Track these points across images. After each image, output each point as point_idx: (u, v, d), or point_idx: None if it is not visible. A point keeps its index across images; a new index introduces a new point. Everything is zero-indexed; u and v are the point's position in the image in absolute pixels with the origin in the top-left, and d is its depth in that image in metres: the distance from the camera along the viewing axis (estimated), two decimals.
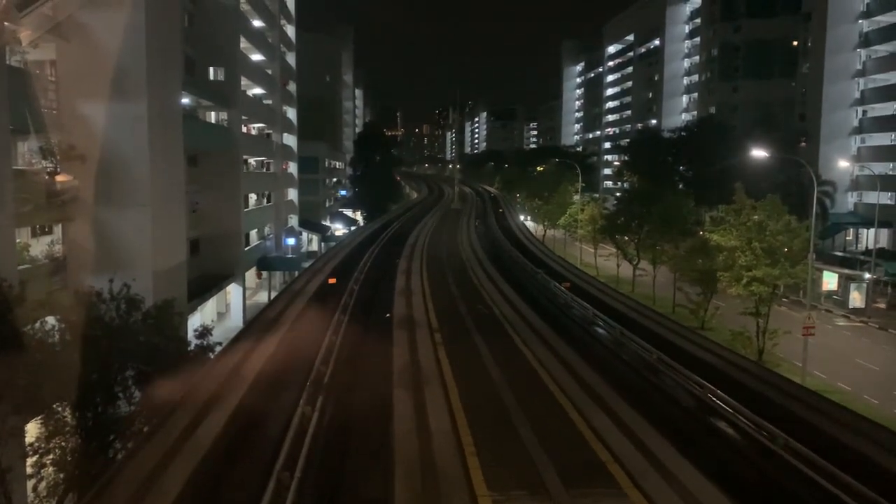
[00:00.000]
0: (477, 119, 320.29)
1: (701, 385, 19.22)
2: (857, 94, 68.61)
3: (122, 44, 27.11)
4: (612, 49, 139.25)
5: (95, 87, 26.86)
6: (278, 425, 14.90)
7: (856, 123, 68.82)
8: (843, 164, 64.24)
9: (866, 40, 67.57)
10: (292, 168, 73.05)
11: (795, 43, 77.10)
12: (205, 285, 40.59)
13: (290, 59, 73.12)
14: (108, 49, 26.99)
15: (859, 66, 68.30)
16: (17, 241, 23.45)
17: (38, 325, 17.43)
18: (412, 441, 14.08)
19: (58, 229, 27.20)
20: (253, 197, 56.56)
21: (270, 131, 63.91)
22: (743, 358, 24.55)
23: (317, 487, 12.82)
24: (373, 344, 24.88)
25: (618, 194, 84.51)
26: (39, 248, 26.01)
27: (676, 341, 25.10)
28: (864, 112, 68.68)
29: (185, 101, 38.74)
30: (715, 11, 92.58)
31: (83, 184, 26.61)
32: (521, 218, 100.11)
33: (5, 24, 21.70)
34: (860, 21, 67.85)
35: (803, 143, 70.92)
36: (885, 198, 61.43)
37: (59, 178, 26.03)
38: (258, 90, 59.77)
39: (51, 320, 18.21)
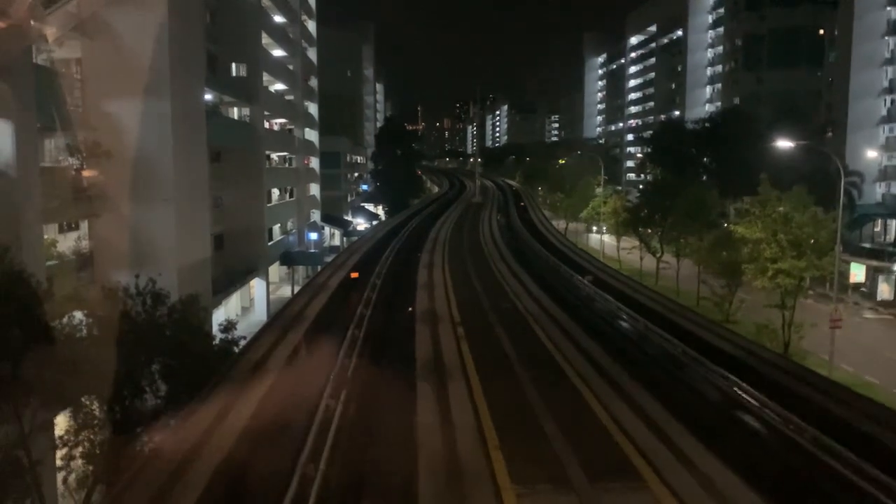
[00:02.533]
0: (498, 112, 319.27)
1: (726, 378, 19.05)
2: (886, 83, 67.25)
3: (145, 41, 27.40)
4: (634, 40, 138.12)
5: (120, 85, 27.17)
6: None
7: (884, 112, 67.46)
8: (871, 154, 63.14)
9: (895, 28, 66.27)
10: (314, 163, 73.37)
11: (822, 31, 75.96)
12: (229, 280, 40.95)
13: (312, 54, 73.39)
14: (132, 47, 27.29)
15: (888, 55, 66.94)
16: (45, 237, 23.78)
17: (65, 320, 17.67)
18: (435, 434, 14.09)
19: (84, 225, 27.55)
20: (276, 192, 56.91)
21: (292, 127, 64.24)
22: (769, 351, 24.28)
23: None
24: (396, 337, 24.98)
25: (641, 187, 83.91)
26: (66, 244, 26.36)
27: (701, 334, 24.86)
28: (893, 101, 67.33)
29: (208, 97, 39.04)
30: (739, 0, 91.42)
31: (108, 180, 26.95)
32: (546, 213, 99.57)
33: (32, 22, 21.96)
34: (888, 8, 66.52)
35: (830, 134, 69.85)
36: None
37: (85, 174, 26.36)
38: (280, 86, 60.07)
39: (78, 315, 18.46)
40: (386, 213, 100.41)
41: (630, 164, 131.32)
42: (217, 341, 21.61)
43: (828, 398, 17.55)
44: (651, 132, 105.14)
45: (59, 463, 17.06)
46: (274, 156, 58.29)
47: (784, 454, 15.17)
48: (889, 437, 14.79)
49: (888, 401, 21.13)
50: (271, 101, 54.93)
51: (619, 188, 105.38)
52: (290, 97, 63.64)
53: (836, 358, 30.31)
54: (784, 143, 43.95)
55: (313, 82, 73.97)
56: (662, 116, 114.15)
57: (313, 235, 65.46)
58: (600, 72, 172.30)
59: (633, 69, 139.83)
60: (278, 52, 58.67)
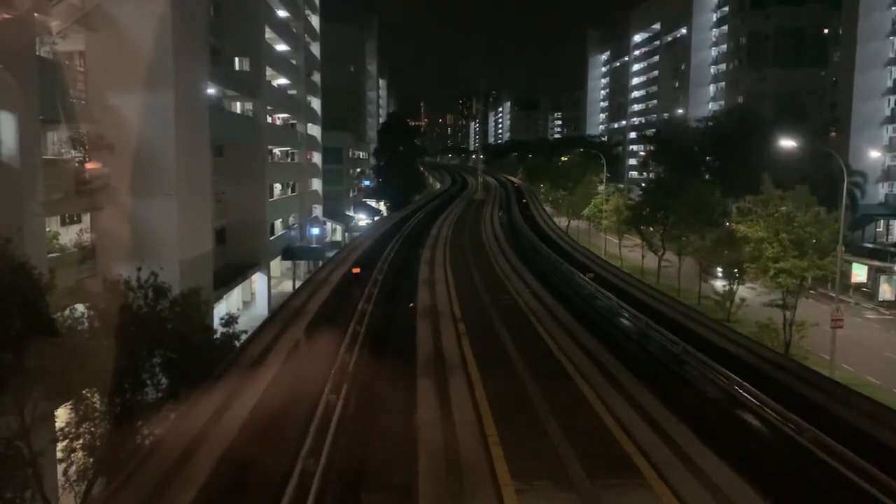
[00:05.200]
0: (501, 109, 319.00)
1: (727, 377, 19.02)
2: (890, 83, 67.21)
3: (149, 34, 27.39)
4: (637, 38, 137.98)
5: (123, 78, 27.17)
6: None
7: (887, 113, 67.43)
8: (874, 154, 63.06)
9: None
10: (317, 158, 73.35)
11: (826, 31, 75.83)
12: (230, 274, 41.00)
13: (315, 49, 73.33)
14: (136, 40, 27.28)
15: (892, 54, 66.86)
16: (47, 229, 23.80)
17: (67, 312, 17.68)
18: (436, 430, 14.10)
19: (86, 218, 27.57)
20: (278, 187, 56.92)
21: (295, 121, 64.23)
22: (770, 350, 24.25)
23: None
24: (397, 332, 24.99)
25: (643, 185, 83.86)
26: (69, 236, 26.39)
27: (702, 333, 24.82)
28: None
29: (211, 91, 39.00)
30: None
31: (111, 173, 26.97)
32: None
33: (36, 14, 21.96)
34: (894, 8, 66.41)
35: (833, 133, 69.77)
36: None
37: (87, 167, 26.38)
38: (283, 80, 60.06)
39: (80, 308, 18.47)
40: (388, 208, 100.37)
41: (633, 161, 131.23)
42: (218, 335, 21.63)
43: (827, 397, 17.53)
44: (654, 130, 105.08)
45: (59, 455, 17.10)
46: (276, 150, 58.28)
47: (784, 452, 15.16)
48: (888, 437, 14.77)
49: (889, 401, 21.13)
50: (274, 96, 54.91)
51: (622, 186, 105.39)
52: (292, 92, 63.62)
53: (837, 358, 30.29)
54: (787, 143, 43.89)
55: (316, 77, 73.90)
56: (666, 115, 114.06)
57: (315, 230, 65.44)
58: (604, 69, 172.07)
59: (636, 67, 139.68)
60: (281, 47, 58.62)
